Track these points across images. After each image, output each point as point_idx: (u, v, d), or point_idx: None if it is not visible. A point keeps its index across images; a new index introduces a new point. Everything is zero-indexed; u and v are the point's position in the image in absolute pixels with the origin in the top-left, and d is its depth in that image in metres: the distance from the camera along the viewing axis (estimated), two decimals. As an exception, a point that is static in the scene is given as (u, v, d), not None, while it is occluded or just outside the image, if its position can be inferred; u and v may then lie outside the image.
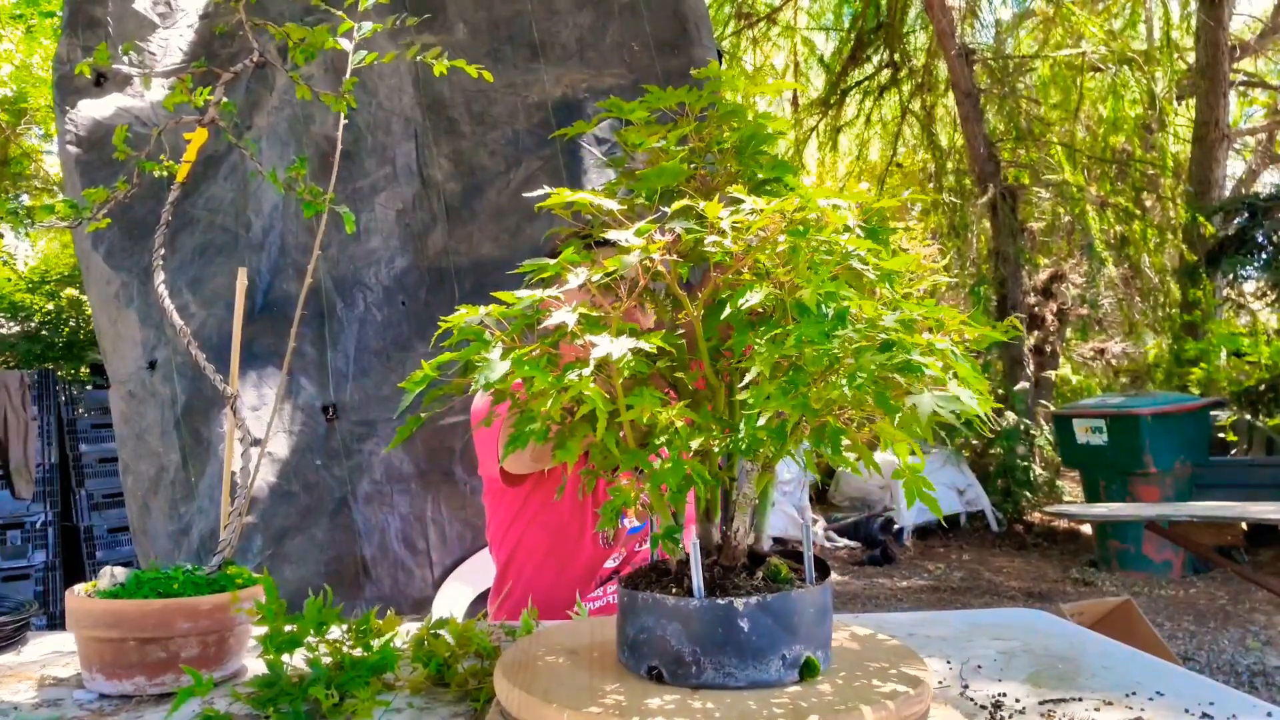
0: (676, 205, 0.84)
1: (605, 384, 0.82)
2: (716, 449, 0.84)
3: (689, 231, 0.82)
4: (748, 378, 0.75)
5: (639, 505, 1.65)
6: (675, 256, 0.84)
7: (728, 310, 0.78)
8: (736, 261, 0.81)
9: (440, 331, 0.86)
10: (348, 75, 1.17)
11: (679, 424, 0.79)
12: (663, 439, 0.79)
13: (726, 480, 0.90)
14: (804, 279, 0.78)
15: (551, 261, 0.86)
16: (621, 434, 0.85)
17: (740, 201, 0.82)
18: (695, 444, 0.78)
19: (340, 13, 1.19)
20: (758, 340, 0.76)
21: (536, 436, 0.84)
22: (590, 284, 0.83)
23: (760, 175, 0.91)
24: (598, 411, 0.77)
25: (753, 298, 0.76)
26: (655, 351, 0.79)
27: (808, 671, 0.82)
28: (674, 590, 0.85)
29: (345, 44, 1.17)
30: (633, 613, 0.86)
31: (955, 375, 0.77)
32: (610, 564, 1.69)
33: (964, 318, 0.84)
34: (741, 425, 0.76)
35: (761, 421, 0.73)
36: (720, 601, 0.80)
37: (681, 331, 0.93)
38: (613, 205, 0.87)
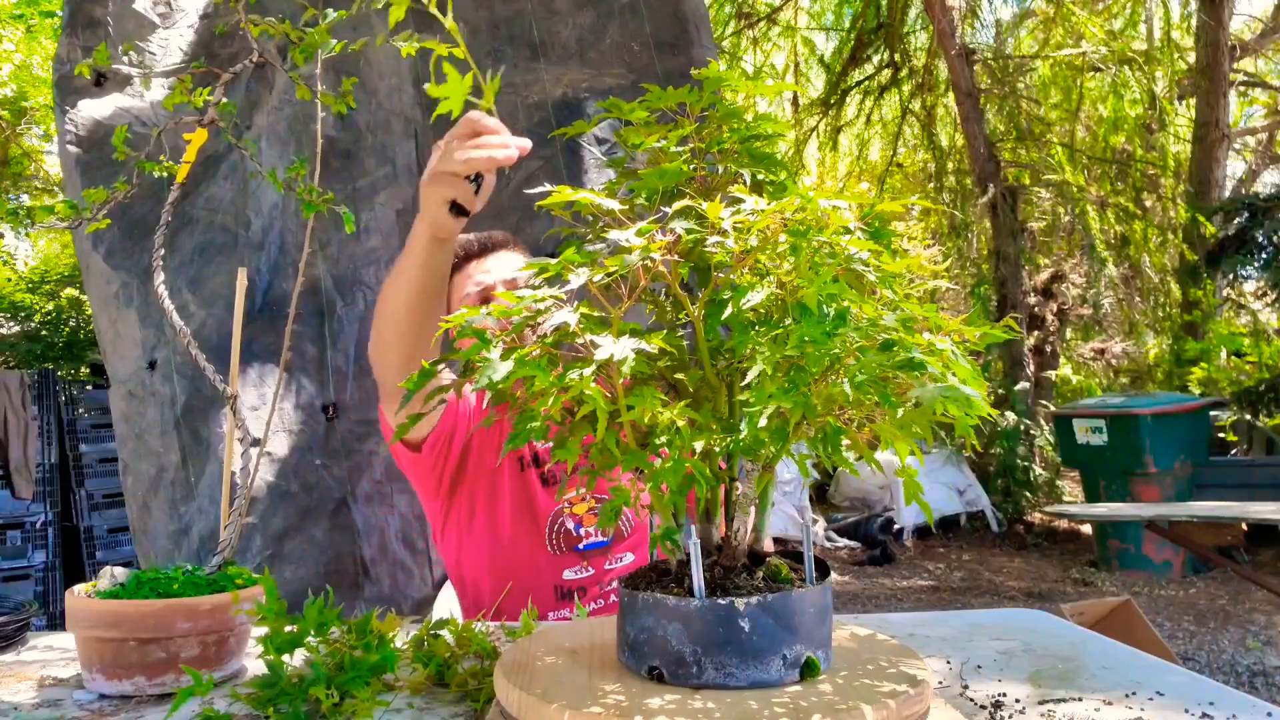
0: (677, 205, 0.84)
1: (606, 384, 0.82)
2: (717, 449, 0.84)
3: (690, 232, 0.82)
4: (749, 377, 0.75)
5: (592, 515, 1.63)
6: (676, 257, 0.84)
7: (729, 310, 0.78)
8: (737, 262, 0.81)
9: (440, 331, 0.86)
10: (318, 66, 1.17)
11: (680, 424, 0.79)
12: (663, 439, 0.79)
13: (727, 480, 0.90)
14: (805, 279, 0.78)
15: (553, 261, 0.86)
16: (622, 434, 0.85)
17: (741, 201, 0.82)
18: (699, 445, 0.78)
19: (314, 10, 1.19)
20: (759, 340, 0.76)
21: (536, 435, 0.84)
22: (591, 284, 0.83)
23: (760, 175, 0.91)
24: (598, 412, 0.77)
25: (754, 297, 0.76)
26: (657, 352, 0.79)
27: (808, 671, 0.82)
28: (674, 590, 0.85)
29: (331, 40, 1.17)
30: (633, 613, 0.86)
31: (955, 376, 0.77)
32: (570, 575, 1.65)
33: (959, 323, 0.84)
34: (743, 425, 0.76)
35: (763, 422, 0.73)
36: (721, 601, 0.80)
37: (681, 332, 0.93)
38: (613, 205, 0.87)
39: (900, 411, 0.75)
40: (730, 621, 0.80)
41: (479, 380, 0.78)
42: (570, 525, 1.66)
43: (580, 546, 1.66)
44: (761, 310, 0.81)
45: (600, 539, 1.67)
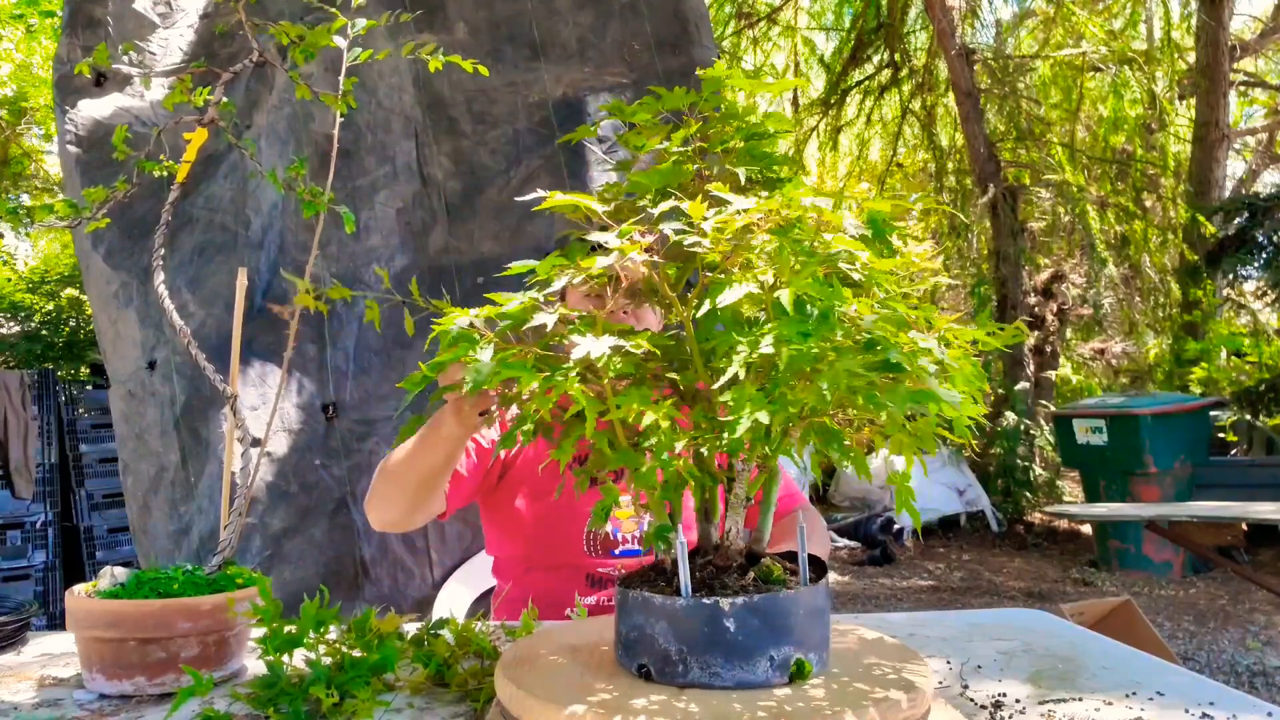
0: (663, 206, 0.84)
1: (597, 384, 0.82)
2: (705, 450, 0.84)
3: (679, 232, 0.82)
4: (723, 379, 0.75)
5: (633, 522, 1.63)
6: (658, 258, 0.84)
7: (706, 307, 0.78)
8: (726, 261, 0.81)
9: (434, 334, 0.87)
10: (343, 74, 1.17)
11: (664, 424, 0.79)
12: (653, 439, 0.79)
13: (724, 480, 0.90)
14: (787, 277, 0.78)
15: (538, 264, 0.87)
16: (616, 434, 0.85)
17: (726, 202, 0.82)
18: (679, 445, 0.79)
19: (334, 10, 1.19)
20: (736, 341, 0.76)
21: (525, 436, 0.84)
22: (573, 286, 0.83)
23: (752, 175, 0.92)
24: (586, 411, 0.78)
25: (730, 295, 0.76)
26: (640, 352, 0.79)
27: (799, 673, 0.82)
28: (664, 589, 0.85)
29: (340, 42, 1.17)
30: (625, 611, 0.86)
31: (947, 375, 0.77)
32: (604, 570, 1.64)
33: (951, 320, 0.84)
34: (724, 427, 0.76)
35: (743, 427, 0.73)
36: (706, 601, 0.81)
37: (672, 332, 0.93)
38: (598, 207, 0.87)
39: (884, 415, 0.75)
40: (715, 621, 0.80)
41: (466, 381, 0.78)
42: (609, 529, 1.65)
43: (616, 552, 1.64)
44: (745, 311, 0.82)
45: (636, 547, 1.65)
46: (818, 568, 0.89)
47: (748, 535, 0.91)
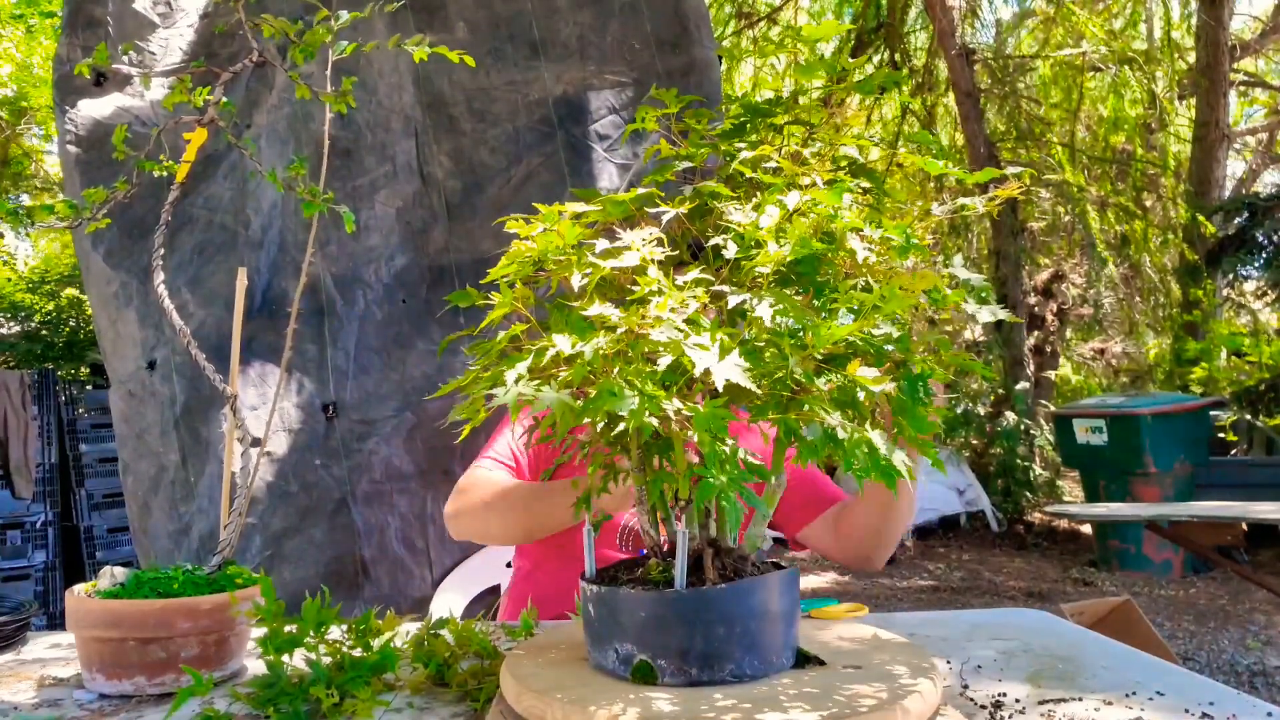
0: (676, 200, 0.85)
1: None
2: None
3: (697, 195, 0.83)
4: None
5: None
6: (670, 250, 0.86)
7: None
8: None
9: (501, 318, 0.88)
10: (329, 68, 1.17)
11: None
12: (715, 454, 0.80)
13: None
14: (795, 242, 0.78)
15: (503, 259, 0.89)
16: (689, 446, 0.87)
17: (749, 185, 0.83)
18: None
19: (319, 3, 1.19)
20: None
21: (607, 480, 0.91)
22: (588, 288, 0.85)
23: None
24: (675, 440, 0.79)
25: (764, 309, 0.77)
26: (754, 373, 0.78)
27: (640, 675, 0.82)
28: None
29: (342, 41, 1.17)
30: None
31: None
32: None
33: (942, 278, 0.84)
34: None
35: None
36: (585, 584, 0.88)
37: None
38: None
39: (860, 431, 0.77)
40: (584, 604, 0.88)
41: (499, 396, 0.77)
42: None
43: (644, 550, 1.63)
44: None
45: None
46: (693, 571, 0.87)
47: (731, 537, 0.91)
